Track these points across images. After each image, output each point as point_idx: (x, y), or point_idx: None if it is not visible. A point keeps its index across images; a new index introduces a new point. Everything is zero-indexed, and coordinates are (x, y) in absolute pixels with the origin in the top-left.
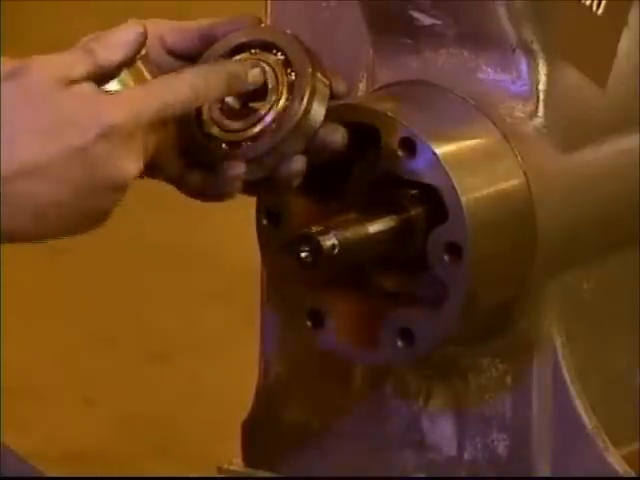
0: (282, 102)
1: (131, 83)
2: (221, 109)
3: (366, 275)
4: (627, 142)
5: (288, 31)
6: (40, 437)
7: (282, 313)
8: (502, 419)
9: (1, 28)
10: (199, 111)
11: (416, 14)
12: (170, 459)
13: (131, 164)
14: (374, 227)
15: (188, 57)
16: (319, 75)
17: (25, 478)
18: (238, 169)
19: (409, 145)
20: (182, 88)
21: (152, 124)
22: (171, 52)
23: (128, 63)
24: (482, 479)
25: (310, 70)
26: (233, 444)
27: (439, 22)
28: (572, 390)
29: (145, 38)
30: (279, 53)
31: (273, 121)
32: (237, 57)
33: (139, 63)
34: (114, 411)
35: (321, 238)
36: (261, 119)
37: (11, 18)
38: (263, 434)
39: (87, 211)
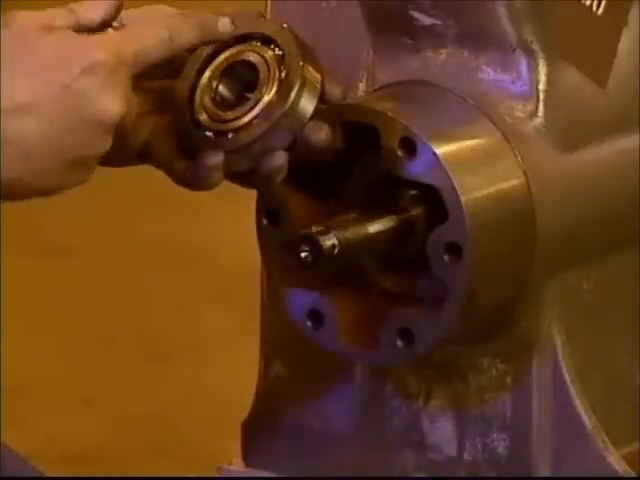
0: (270, 95)
1: None
2: (213, 98)
3: (366, 275)
4: (627, 142)
5: (285, 25)
6: (40, 437)
7: (282, 313)
8: (502, 419)
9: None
10: (191, 97)
11: (416, 14)
12: (170, 459)
13: (115, 102)
14: (374, 227)
15: (186, 49)
16: (311, 72)
17: (25, 478)
18: (216, 158)
19: (409, 145)
20: (158, 28)
21: (134, 64)
22: None
23: (107, 23)
24: (482, 479)
25: (301, 65)
26: (233, 444)
27: (439, 22)
28: (572, 390)
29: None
30: (277, 48)
31: (260, 113)
32: (235, 47)
33: None
34: (114, 411)
35: (321, 238)
36: (248, 111)
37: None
38: (263, 434)
39: (73, 154)
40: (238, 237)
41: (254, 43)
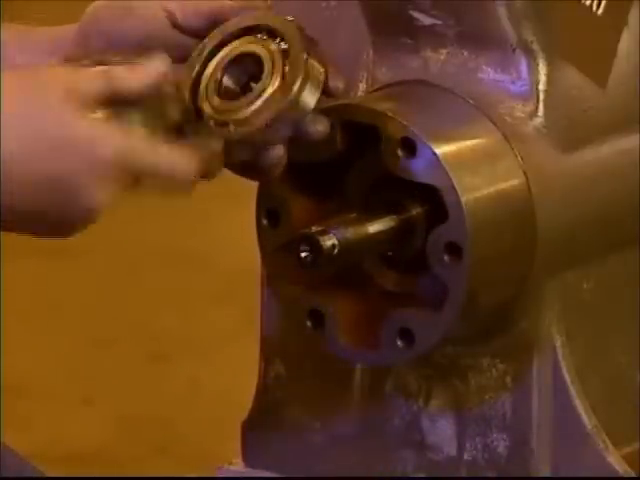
0: (273, 88)
1: (141, 128)
2: (217, 89)
3: (366, 275)
4: (627, 142)
5: (291, 19)
6: (40, 437)
7: (282, 313)
8: (502, 419)
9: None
10: (195, 87)
11: (416, 14)
12: (170, 459)
13: (105, 197)
14: (374, 227)
15: (194, 34)
16: (314, 65)
17: (25, 478)
18: (216, 147)
19: (409, 145)
20: (176, 164)
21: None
22: (178, 27)
23: (142, 99)
24: (482, 479)
25: (304, 59)
26: (233, 444)
27: (439, 22)
28: (572, 390)
29: (167, 76)
30: (282, 42)
31: (262, 105)
32: (242, 39)
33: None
34: (114, 411)
35: (321, 238)
36: (251, 103)
37: (11, 18)
38: (263, 434)
39: (59, 229)
40: (238, 237)
41: (260, 36)
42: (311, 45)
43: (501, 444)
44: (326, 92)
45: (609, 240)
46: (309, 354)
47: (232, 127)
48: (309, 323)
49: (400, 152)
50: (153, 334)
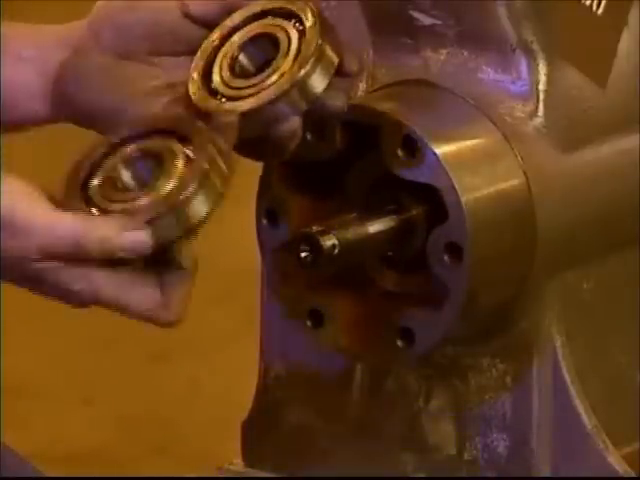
0: (286, 67)
1: None
2: (232, 68)
3: (366, 275)
4: (627, 142)
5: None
6: (40, 437)
7: (282, 313)
8: (502, 419)
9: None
10: (210, 66)
11: (416, 14)
12: (170, 459)
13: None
14: (374, 227)
15: (205, 24)
16: (327, 49)
17: (25, 478)
18: (229, 118)
19: (409, 145)
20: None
21: None
22: (189, 17)
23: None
24: (482, 479)
25: (319, 42)
26: (233, 444)
27: (439, 22)
28: (572, 390)
29: (150, 249)
30: (299, 24)
31: (273, 83)
32: (259, 22)
33: None
34: (114, 411)
35: (321, 238)
36: (263, 80)
37: (11, 18)
38: (263, 434)
39: None
40: (238, 237)
41: (279, 18)
42: (327, 28)
43: (501, 444)
44: (340, 73)
45: (609, 240)
46: (309, 354)
47: (242, 102)
48: (309, 323)
49: (400, 152)
50: (153, 334)
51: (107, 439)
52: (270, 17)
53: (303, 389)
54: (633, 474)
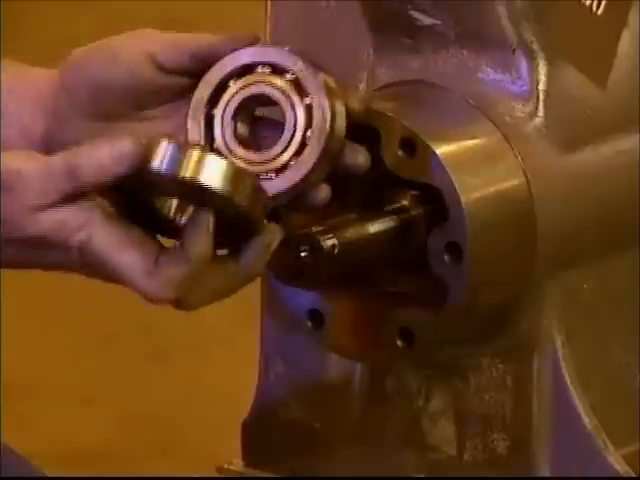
0: (302, 132)
1: None
2: (234, 132)
3: (366, 275)
4: (627, 142)
5: (287, 48)
6: (40, 437)
7: (282, 313)
8: (502, 419)
9: (1, 28)
10: (210, 138)
11: (416, 14)
12: (170, 459)
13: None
14: (374, 227)
15: (181, 74)
16: (334, 95)
17: (25, 478)
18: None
19: (409, 145)
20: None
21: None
22: (163, 69)
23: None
24: (482, 479)
25: (325, 92)
26: (233, 444)
27: (439, 22)
28: (572, 390)
29: (141, 157)
30: (287, 74)
31: (296, 153)
32: (244, 79)
33: None
34: (114, 411)
35: (321, 238)
36: (284, 150)
37: (11, 18)
38: (263, 434)
39: None
40: None
41: (261, 71)
42: (319, 68)
43: (501, 444)
44: (348, 112)
45: (609, 240)
46: (309, 354)
47: (274, 177)
48: (309, 323)
49: (400, 152)
50: (153, 334)
51: (107, 439)
52: (258, 70)
53: (303, 389)
54: (633, 474)
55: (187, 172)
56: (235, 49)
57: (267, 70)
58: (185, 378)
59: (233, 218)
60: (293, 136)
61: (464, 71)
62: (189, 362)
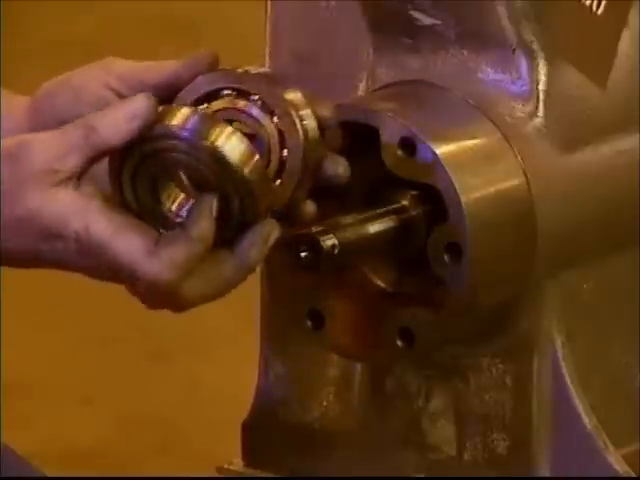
0: (277, 154)
1: None
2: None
3: (366, 275)
4: (627, 142)
5: (252, 69)
6: (40, 436)
7: (282, 313)
8: (502, 419)
9: (1, 28)
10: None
11: (416, 14)
12: (170, 459)
13: None
14: (374, 227)
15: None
16: (303, 111)
17: (25, 478)
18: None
19: (409, 145)
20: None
21: None
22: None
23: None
24: (482, 479)
25: (292, 111)
26: (233, 444)
27: (439, 22)
28: (572, 390)
29: (155, 112)
30: (251, 96)
31: (276, 176)
32: (210, 105)
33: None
34: (114, 410)
35: (321, 238)
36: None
37: (11, 18)
38: (263, 434)
39: None
40: None
41: (227, 96)
42: (281, 83)
43: (501, 444)
44: (320, 126)
45: (609, 240)
46: (309, 354)
47: None
48: (309, 323)
49: (400, 152)
50: (153, 334)
51: (106, 438)
52: (222, 97)
53: (303, 389)
54: (633, 474)
55: (212, 139)
56: (198, 73)
57: (233, 93)
58: (185, 378)
59: (235, 208)
60: (270, 159)
61: (464, 71)
62: (189, 362)
